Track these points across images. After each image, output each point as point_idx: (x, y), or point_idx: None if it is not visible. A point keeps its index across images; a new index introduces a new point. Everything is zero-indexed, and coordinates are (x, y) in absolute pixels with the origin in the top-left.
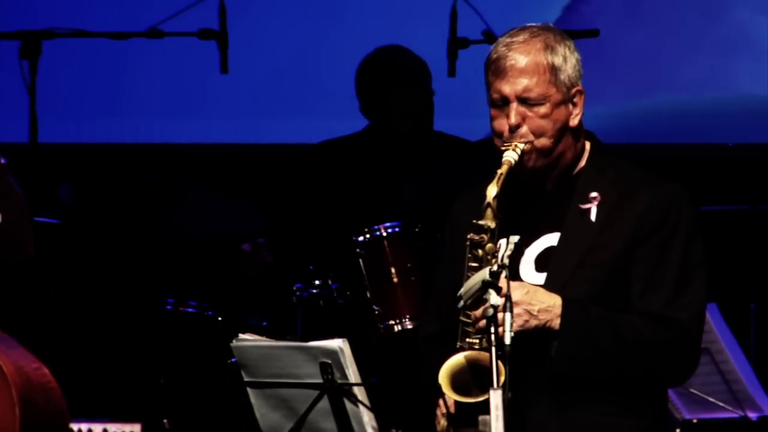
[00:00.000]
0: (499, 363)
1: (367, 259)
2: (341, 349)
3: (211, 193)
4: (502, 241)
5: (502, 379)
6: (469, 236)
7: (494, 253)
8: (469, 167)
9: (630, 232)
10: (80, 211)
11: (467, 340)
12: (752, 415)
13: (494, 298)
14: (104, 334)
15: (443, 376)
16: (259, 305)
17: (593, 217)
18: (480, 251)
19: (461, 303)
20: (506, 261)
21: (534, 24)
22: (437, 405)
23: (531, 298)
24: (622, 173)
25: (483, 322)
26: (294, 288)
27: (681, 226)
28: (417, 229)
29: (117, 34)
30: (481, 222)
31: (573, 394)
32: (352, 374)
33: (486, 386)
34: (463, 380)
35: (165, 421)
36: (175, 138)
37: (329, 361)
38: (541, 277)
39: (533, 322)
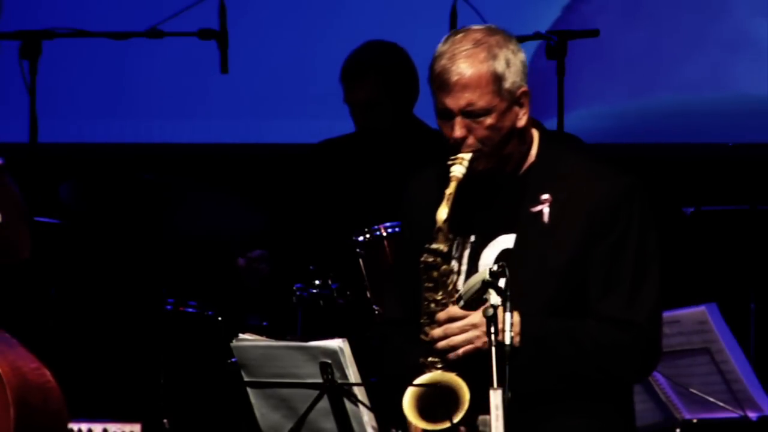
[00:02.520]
0: (464, 386)
1: (367, 259)
2: (341, 349)
3: (211, 193)
4: (453, 271)
5: (465, 406)
6: (422, 259)
7: (450, 273)
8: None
9: (582, 231)
10: (80, 211)
11: (429, 359)
12: (752, 415)
13: (494, 298)
14: (104, 334)
15: (408, 403)
16: (259, 305)
17: (546, 218)
18: (435, 273)
19: (461, 303)
20: (468, 265)
21: (476, 27)
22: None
23: None
24: (573, 167)
25: (441, 344)
26: (294, 288)
27: (633, 223)
28: None
29: (117, 34)
30: (433, 246)
31: (539, 407)
32: (352, 374)
33: (450, 411)
34: (428, 404)
35: (165, 421)
36: (175, 138)
37: (329, 361)
38: (501, 283)
39: None
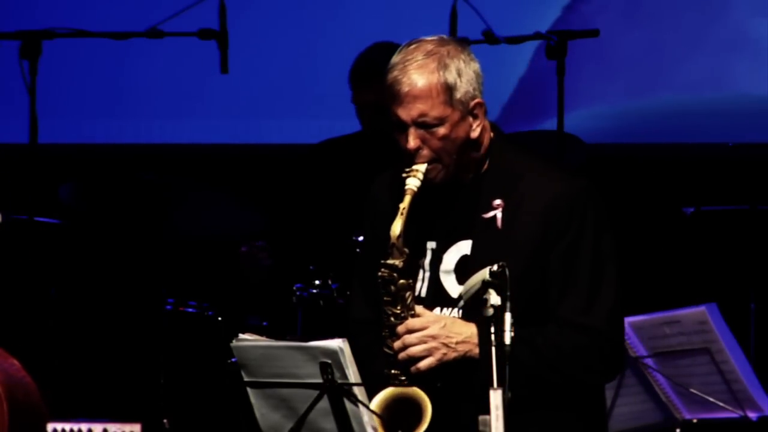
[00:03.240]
0: (426, 400)
1: None
2: (341, 349)
3: (211, 193)
4: (410, 286)
5: (427, 419)
6: (379, 273)
7: (407, 287)
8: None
9: (536, 235)
10: (80, 211)
11: (392, 371)
12: (752, 415)
13: (494, 298)
14: (104, 334)
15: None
16: (259, 305)
17: (499, 224)
18: (392, 287)
19: (461, 303)
20: (430, 271)
21: (429, 38)
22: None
23: (448, 331)
24: (524, 170)
25: (403, 354)
26: (294, 288)
27: (587, 225)
28: None
29: (117, 34)
30: (389, 261)
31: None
32: (352, 374)
33: (412, 423)
34: (392, 417)
35: (165, 421)
36: (175, 138)
37: (329, 361)
38: (461, 289)
39: (452, 354)
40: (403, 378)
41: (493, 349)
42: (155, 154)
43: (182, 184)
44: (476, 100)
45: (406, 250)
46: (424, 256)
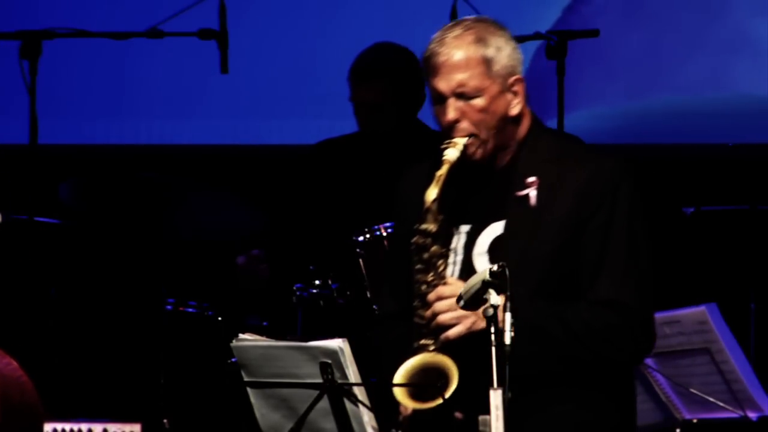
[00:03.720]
0: (452, 365)
1: (367, 259)
2: (341, 349)
3: (212, 193)
4: (454, 232)
5: (454, 384)
6: (413, 240)
7: (440, 255)
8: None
9: (570, 213)
10: (80, 211)
11: (421, 341)
12: (752, 415)
13: (494, 298)
14: (104, 334)
15: (397, 383)
16: (259, 305)
17: (533, 201)
18: (425, 254)
19: (461, 302)
20: (462, 261)
21: (468, 17)
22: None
23: None
24: (559, 150)
25: (435, 322)
26: (294, 288)
27: (621, 204)
28: None
29: (117, 34)
30: (423, 226)
31: (532, 394)
32: (352, 374)
33: (439, 390)
34: (419, 382)
35: (165, 421)
36: (175, 138)
37: (329, 361)
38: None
39: (481, 324)
40: (432, 348)
41: (494, 349)
42: (155, 155)
43: (182, 185)
44: (515, 76)
45: (441, 216)
46: (458, 239)
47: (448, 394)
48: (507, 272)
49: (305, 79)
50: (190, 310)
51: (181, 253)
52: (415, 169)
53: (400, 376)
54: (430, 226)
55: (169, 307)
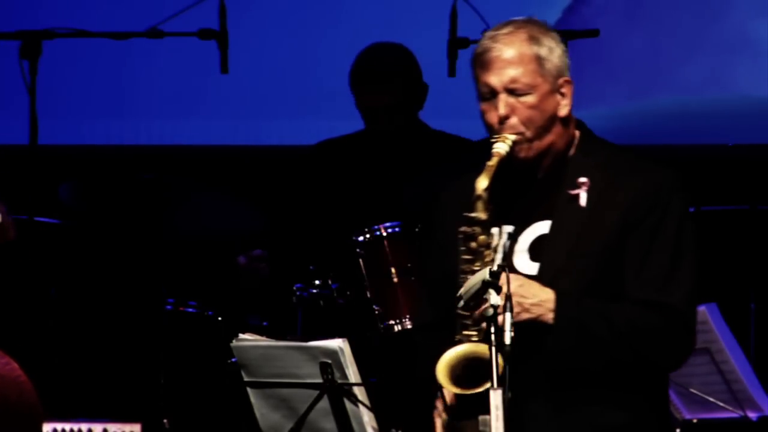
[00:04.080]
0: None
1: (367, 259)
2: (341, 349)
3: (212, 193)
4: (495, 231)
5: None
6: (461, 229)
7: (487, 245)
8: (469, 167)
9: (620, 217)
10: (80, 211)
11: (464, 332)
12: (752, 415)
13: (494, 298)
14: (104, 334)
15: (441, 369)
16: (259, 305)
17: (583, 202)
18: (473, 243)
19: (461, 303)
20: (502, 260)
21: (518, 18)
22: (437, 399)
23: (525, 291)
24: (612, 159)
25: (479, 311)
26: (294, 288)
27: (672, 211)
28: (417, 230)
29: (117, 34)
30: (472, 214)
31: (569, 390)
32: (352, 374)
33: (483, 378)
34: (461, 373)
35: (165, 421)
36: (175, 139)
37: (329, 361)
38: (535, 267)
39: (525, 315)
40: (476, 338)
41: (494, 349)
42: (155, 155)
43: (182, 185)
44: (565, 78)
45: (491, 206)
46: (500, 238)
47: (488, 385)
48: (507, 272)
49: (305, 79)
50: (190, 310)
51: (181, 253)
52: (451, 183)
53: (443, 363)
54: (480, 215)
55: (169, 307)
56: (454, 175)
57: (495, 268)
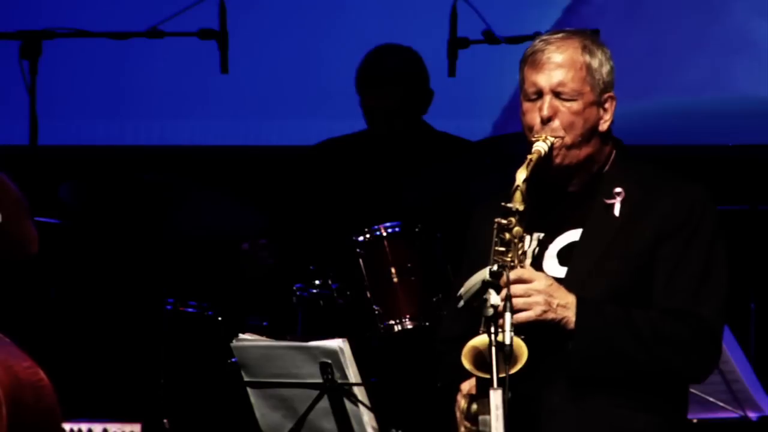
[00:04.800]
0: (522, 345)
1: (367, 259)
2: (341, 349)
3: (212, 193)
4: (526, 237)
5: (523, 360)
6: (496, 219)
7: (521, 237)
8: (469, 167)
9: (653, 229)
10: (80, 211)
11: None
12: (752, 415)
13: (494, 298)
14: (104, 334)
15: (465, 354)
16: (259, 305)
17: (617, 212)
18: (507, 235)
19: (461, 303)
20: (532, 260)
21: (573, 29)
22: (456, 402)
23: (554, 290)
24: (647, 174)
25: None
26: (294, 288)
27: (705, 226)
28: (417, 229)
29: (117, 34)
30: (509, 204)
31: (588, 386)
32: (352, 374)
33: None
34: (485, 360)
35: (165, 421)
36: (176, 139)
37: (329, 361)
38: (563, 271)
39: (550, 315)
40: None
41: (494, 349)
42: (155, 155)
43: (183, 184)
44: (609, 93)
45: (528, 199)
46: (530, 244)
47: (514, 371)
48: (507, 273)
49: (305, 79)
50: (190, 310)
51: (181, 253)
52: (483, 205)
53: (468, 349)
54: (517, 205)
55: (169, 307)
56: (484, 196)
57: (495, 267)
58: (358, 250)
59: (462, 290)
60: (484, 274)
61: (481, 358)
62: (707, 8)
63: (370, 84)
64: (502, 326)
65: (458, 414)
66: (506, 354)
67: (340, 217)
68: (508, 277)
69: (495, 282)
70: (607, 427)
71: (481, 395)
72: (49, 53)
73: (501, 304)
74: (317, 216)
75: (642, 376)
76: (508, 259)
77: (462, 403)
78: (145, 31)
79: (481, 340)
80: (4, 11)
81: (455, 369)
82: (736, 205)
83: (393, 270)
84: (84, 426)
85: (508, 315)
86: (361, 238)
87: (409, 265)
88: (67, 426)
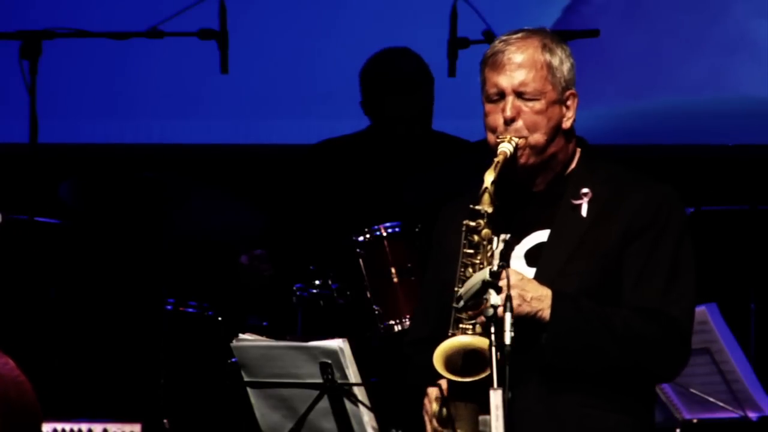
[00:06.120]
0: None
1: (367, 259)
2: (341, 349)
3: (212, 193)
4: (494, 238)
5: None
6: (465, 222)
7: (490, 239)
8: (469, 167)
9: (621, 229)
10: (80, 211)
11: (460, 326)
12: (752, 415)
13: (494, 298)
14: (104, 334)
15: (437, 358)
16: (259, 305)
17: (584, 212)
18: (476, 237)
19: (461, 303)
20: (500, 260)
21: (531, 28)
22: (424, 406)
23: (525, 284)
24: (614, 174)
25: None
26: (294, 288)
27: (672, 225)
28: (417, 229)
29: (117, 34)
30: (477, 207)
31: (561, 383)
32: (352, 374)
33: (478, 368)
34: (456, 363)
35: (165, 421)
36: (175, 138)
37: (329, 361)
38: (531, 272)
39: (525, 308)
40: (470, 331)
41: (494, 349)
42: (155, 155)
43: (182, 184)
44: (571, 90)
45: (496, 201)
46: (497, 246)
47: (482, 376)
48: (507, 273)
49: (305, 79)
50: (190, 310)
51: (181, 253)
52: (451, 203)
53: (440, 352)
54: (486, 207)
55: (169, 307)
56: (456, 193)
57: (495, 267)
58: (358, 250)
59: (462, 290)
60: (484, 274)
61: (453, 361)
62: (707, 8)
63: (394, 92)
64: (503, 325)
65: (426, 417)
66: (507, 354)
67: (340, 217)
68: (508, 277)
69: (495, 282)
70: (578, 426)
71: (452, 398)
72: (49, 53)
73: (501, 304)
74: (317, 216)
75: (612, 372)
76: (477, 261)
77: (433, 406)
78: (145, 31)
79: (452, 342)
80: (4, 11)
81: (424, 371)
82: (736, 205)
83: (393, 270)
84: (84, 426)
85: (508, 315)
86: (361, 238)
87: (409, 265)
88: (67, 426)
